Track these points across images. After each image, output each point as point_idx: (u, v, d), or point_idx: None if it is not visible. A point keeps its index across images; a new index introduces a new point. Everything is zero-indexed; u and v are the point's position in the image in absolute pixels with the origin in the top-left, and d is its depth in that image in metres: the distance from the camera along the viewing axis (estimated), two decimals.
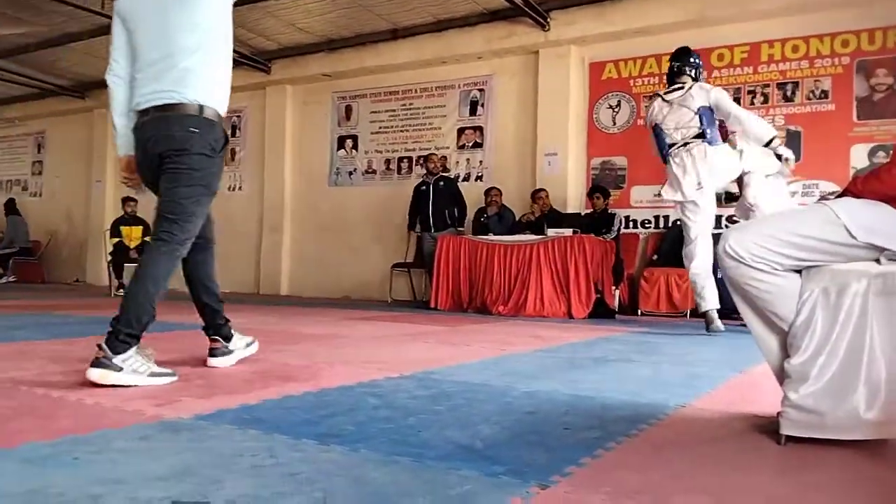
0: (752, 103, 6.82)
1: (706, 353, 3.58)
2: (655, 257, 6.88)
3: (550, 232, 6.44)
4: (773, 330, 1.71)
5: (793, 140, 6.64)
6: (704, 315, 4.59)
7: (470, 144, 8.40)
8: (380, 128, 9.02)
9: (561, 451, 1.52)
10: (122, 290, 8.20)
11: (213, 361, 2.63)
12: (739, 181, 4.71)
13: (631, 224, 7.33)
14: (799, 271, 1.65)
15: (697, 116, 4.58)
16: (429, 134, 8.65)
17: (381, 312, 6.17)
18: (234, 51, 2.65)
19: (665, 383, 2.56)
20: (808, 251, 1.61)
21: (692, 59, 4.80)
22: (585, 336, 4.34)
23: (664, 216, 7.14)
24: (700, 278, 4.58)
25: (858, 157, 6.38)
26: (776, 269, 1.63)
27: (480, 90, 8.33)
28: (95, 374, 2.10)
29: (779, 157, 4.52)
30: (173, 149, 2.34)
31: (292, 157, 9.67)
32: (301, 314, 5.73)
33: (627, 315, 6.58)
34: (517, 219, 7.38)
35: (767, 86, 6.81)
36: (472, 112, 8.39)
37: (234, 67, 2.58)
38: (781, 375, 1.67)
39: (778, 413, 1.64)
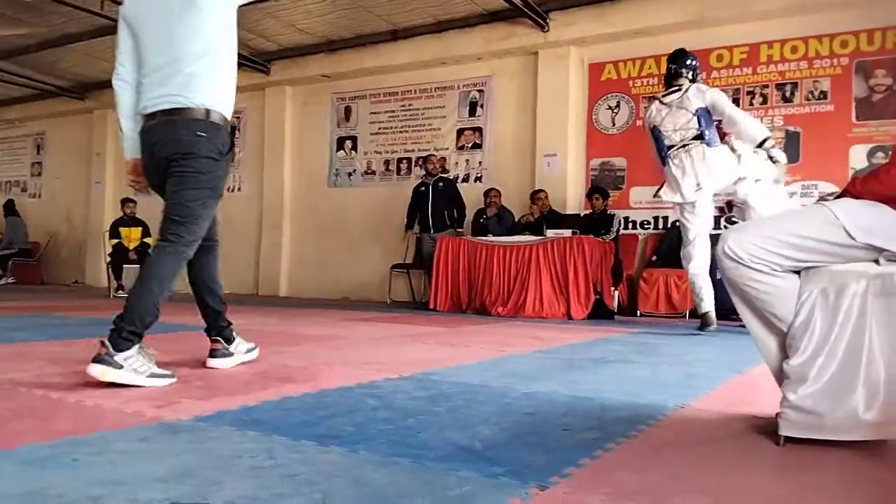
0: (752, 104, 6.83)
1: (705, 354, 3.58)
2: (654, 258, 6.88)
3: (549, 233, 6.44)
4: (772, 331, 1.71)
5: (792, 141, 6.65)
6: (703, 316, 4.61)
7: (469, 145, 8.40)
8: (379, 129, 9.03)
9: (560, 452, 1.52)
10: (121, 292, 8.20)
11: (212, 362, 2.63)
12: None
13: (630, 225, 7.34)
14: (798, 272, 1.65)
15: (696, 118, 4.58)
16: (428, 135, 8.65)
17: (380, 313, 6.17)
18: None
19: (664, 384, 2.56)
20: (806, 252, 1.61)
21: (689, 61, 4.81)
22: (584, 337, 4.34)
23: (663, 217, 7.15)
24: (698, 279, 4.60)
25: (857, 158, 6.39)
26: (775, 270, 1.63)
27: (480, 91, 8.34)
28: (96, 370, 2.11)
29: (771, 158, 4.50)
30: (180, 152, 2.37)
31: (292, 158, 9.67)
32: (300, 315, 5.73)
33: (626, 316, 6.59)
34: (516, 220, 7.39)
35: (766, 86, 6.82)
36: (472, 113, 8.39)
37: None
38: (780, 376, 1.67)
39: (777, 414, 1.64)
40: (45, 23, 8.41)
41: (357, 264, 8.92)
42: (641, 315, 6.60)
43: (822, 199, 1.73)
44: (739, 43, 6.90)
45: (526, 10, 7.22)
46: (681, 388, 2.45)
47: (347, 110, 9.27)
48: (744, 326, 1.79)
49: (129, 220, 8.64)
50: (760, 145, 4.50)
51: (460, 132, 8.45)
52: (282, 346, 3.41)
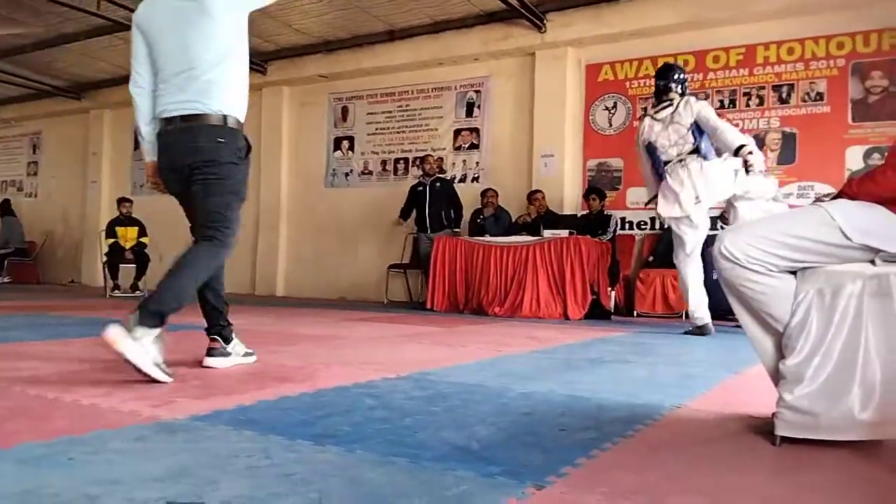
0: (748, 105, 6.85)
1: (701, 354, 3.59)
2: (651, 259, 6.89)
3: (546, 233, 6.45)
4: (768, 331, 1.71)
5: (788, 142, 6.68)
6: (701, 328, 4.61)
7: (466, 146, 8.40)
8: (376, 129, 9.02)
9: (557, 451, 1.52)
10: (117, 291, 8.19)
11: (209, 361, 2.63)
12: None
13: (627, 225, 7.35)
14: (794, 272, 1.66)
15: (690, 132, 4.58)
16: (425, 135, 8.65)
17: (377, 313, 6.16)
18: None
19: (660, 384, 2.56)
20: (802, 252, 1.61)
21: (676, 75, 4.78)
22: (581, 337, 4.35)
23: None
24: (694, 295, 4.62)
25: (853, 159, 6.41)
26: (771, 271, 1.64)
27: (477, 92, 8.34)
28: (112, 333, 2.14)
29: (746, 164, 4.37)
30: (203, 160, 2.45)
31: (289, 159, 9.66)
32: (297, 315, 5.73)
33: (623, 316, 6.60)
34: (513, 220, 7.39)
35: (763, 88, 6.83)
36: (469, 113, 8.39)
37: None
38: (776, 376, 1.68)
39: (773, 414, 1.64)
40: (42, 22, 8.39)
41: (354, 264, 8.91)
42: (638, 315, 6.61)
43: (818, 200, 1.73)
44: (736, 44, 6.92)
45: (523, 10, 7.22)
46: (677, 389, 2.45)
47: (344, 110, 9.27)
48: (740, 327, 1.80)
49: (126, 220, 8.61)
50: (737, 152, 4.40)
51: (457, 132, 8.46)
52: (279, 346, 3.41)
